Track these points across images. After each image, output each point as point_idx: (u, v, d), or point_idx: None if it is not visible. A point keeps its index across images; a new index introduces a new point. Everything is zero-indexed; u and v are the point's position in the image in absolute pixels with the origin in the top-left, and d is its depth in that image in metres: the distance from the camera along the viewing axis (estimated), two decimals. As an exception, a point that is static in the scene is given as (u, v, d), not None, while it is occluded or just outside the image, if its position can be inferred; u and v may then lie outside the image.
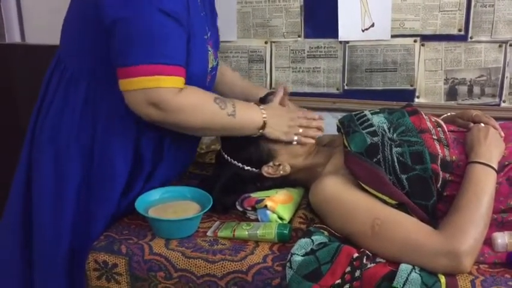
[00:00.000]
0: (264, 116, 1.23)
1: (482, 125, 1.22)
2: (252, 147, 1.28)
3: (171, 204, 1.22)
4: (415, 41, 1.61)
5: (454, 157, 1.16)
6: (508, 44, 1.57)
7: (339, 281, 1.01)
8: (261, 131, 1.24)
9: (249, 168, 1.29)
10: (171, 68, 1.10)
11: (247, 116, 1.22)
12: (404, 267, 1.00)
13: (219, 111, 1.17)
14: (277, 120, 1.26)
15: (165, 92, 1.09)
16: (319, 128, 1.31)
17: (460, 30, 1.58)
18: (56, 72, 1.23)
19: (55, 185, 1.21)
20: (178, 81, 1.11)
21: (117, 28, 1.08)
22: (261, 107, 1.25)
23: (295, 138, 1.28)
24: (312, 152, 1.32)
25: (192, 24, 1.16)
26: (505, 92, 1.60)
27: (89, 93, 1.19)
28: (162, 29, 1.08)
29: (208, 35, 1.27)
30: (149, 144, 1.24)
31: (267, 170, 1.28)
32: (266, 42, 1.70)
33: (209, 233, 1.19)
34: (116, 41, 1.09)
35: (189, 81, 1.17)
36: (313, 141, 1.30)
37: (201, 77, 1.23)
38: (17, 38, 1.94)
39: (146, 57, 1.07)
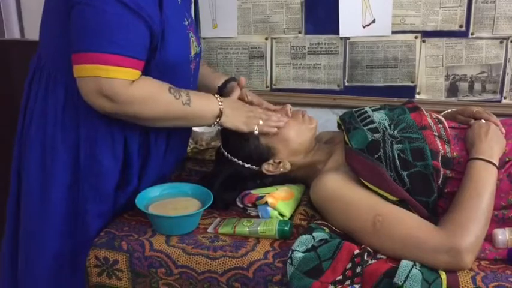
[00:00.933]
0: (221, 104, 1.22)
1: (483, 121, 1.22)
2: (252, 144, 1.27)
3: (171, 200, 1.22)
4: (416, 37, 1.60)
5: (455, 154, 1.16)
6: (509, 41, 1.56)
7: (339, 277, 1.01)
8: (218, 119, 1.22)
9: (249, 165, 1.29)
10: (122, 59, 1.08)
11: (203, 105, 1.21)
12: (405, 264, 1.00)
13: (174, 101, 1.15)
14: (235, 111, 1.25)
15: (115, 83, 1.07)
16: (278, 126, 1.29)
17: (461, 26, 1.57)
18: (37, 71, 1.22)
19: (41, 186, 1.19)
20: (130, 73, 1.09)
21: (74, 12, 1.06)
22: (218, 98, 1.24)
23: (256, 127, 1.26)
24: (312, 149, 1.32)
25: (167, 13, 1.14)
26: (506, 88, 1.60)
27: (68, 92, 1.16)
28: (118, 19, 1.06)
29: (189, 21, 1.25)
30: (135, 139, 1.23)
31: (267, 168, 1.28)
32: (266, 39, 1.69)
33: (210, 230, 1.19)
34: (73, 26, 1.07)
35: (173, 69, 1.17)
36: (275, 129, 1.28)
37: (184, 65, 1.22)
38: (16, 34, 1.94)
39: (98, 46, 1.06)
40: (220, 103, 1.22)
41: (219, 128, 1.45)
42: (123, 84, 1.08)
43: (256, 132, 1.26)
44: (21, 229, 1.24)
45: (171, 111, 1.17)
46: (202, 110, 1.21)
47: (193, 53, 1.25)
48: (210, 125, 1.24)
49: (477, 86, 1.61)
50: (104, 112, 1.12)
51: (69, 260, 1.22)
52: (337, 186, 1.15)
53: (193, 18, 1.39)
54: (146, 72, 1.14)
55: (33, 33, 1.91)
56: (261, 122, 1.27)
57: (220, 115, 1.22)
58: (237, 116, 1.25)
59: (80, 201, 1.21)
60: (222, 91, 1.39)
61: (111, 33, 1.06)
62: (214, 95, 1.25)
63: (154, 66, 1.15)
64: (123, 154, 1.22)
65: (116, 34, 1.07)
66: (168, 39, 1.15)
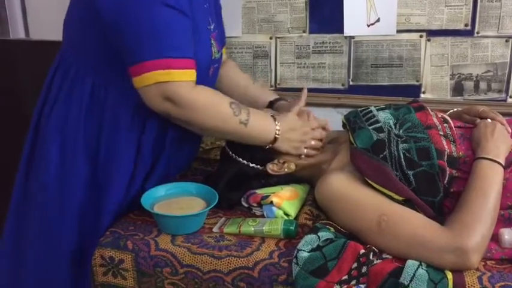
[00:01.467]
0: (277, 132, 1.22)
1: (489, 120, 1.21)
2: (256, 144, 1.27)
3: (176, 200, 1.22)
4: (421, 36, 1.60)
5: (460, 153, 1.16)
6: (515, 39, 1.56)
7: (345, 277, 1.01)
8: (270, 144, 1.23)
9: (253, 165, 1.28)
10: (181, 61, 1.09)
11: (259, 129, 1.21)
12: (411, 264, 1.00)
13: (232, 117, 1.16)
14: (290, 136, 1.24)
15: (179, 85, 1.09)
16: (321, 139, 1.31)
17: (466, 25, 1.57)
18: (60, 70, 1.23)
19: (62, 180, 1.21)
20: (190, 74, 1.11)
21: (123, 29, 1.07)
22: (277, 121, 1.22)
23: (305, 151, 1.27)
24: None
25: (195, 15, 1.15)
26: (512, 87, 1.60)
27: (94, 90, 1.19)
28: (168, 23, 1.08)
29: (212, 26, 1.26)
30: (150, 140, 1.24)
31: (271, 168, 1.28)
32: (271, 38, 1.69)
33: (215, 229, 1.19)
34: (124, 41, 1.08)
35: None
36: (318, 153, 1.29)
37: (203, 69, 1.23)
38: (21, 34, 1.94)
39: (156, 52, 1.07)
40: (277, 131, 1.21)
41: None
42: (185, 86, 1.10)
43: (302, 157, 1.28)
44: (32, 225, 1.24)
45: (227, 126, 1.17)
46: (256, 133, 1.21)
47: (213, 57, 1.26)
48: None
49: (482, 85, 1.61)
50: (167, 116, 1.14)
51: (79, 259, 1.23)
52: (342, 186, 1.15)
53: (222, 26, 1.42)
54: None
55: (38, 33, 1.92)
56: (312, 143, 1.28)
57: (273, 142, 1.23)
58: (290, 141, 1.25)
59: (95, 198, 1.22)
60: (272, 106, 1.39)
61: (164, 37, 1.08)
62: (273, 116, 1.24)
63: None
64: (136, 154, 1.23)
65: (169, 37, 1.08)
66: (197, 40, 1.16)
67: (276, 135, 1.22)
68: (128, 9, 1.06)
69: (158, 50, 1.07)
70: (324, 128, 1.31)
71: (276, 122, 1.22)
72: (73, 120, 1.20)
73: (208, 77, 1.27)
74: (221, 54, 1.36)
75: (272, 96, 1.44)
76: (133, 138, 1.22)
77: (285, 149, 1.25)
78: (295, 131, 1.26)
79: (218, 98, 1.18)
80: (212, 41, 1.26)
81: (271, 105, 1.40)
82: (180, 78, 1.09)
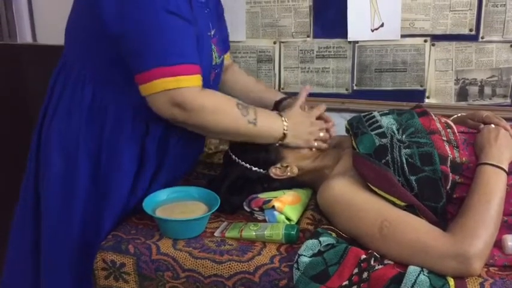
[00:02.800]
0: (285, 128, 1.24)
1: (493, 126, 1.20)
2: (259, 148, 1.27)
3: (178, 204, 1.22)
4: (425, 41, 1.60)
5: (464, 159, 1.15)
6: (520, 44, 1.55)
7: (346, 282, 1.00)
8: (280, 141, 1.25)
9: (256, 169, 1.28)
10: (188, 67, 1.11)
11: (268, 126, 1.23)
12: (412, 270, 0.99)
13: (241, 117, 1.17)
14: (298, 129, 1.27)
15: (187, 91, 1.10)
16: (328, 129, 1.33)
17: (471, 30, 1.56)
18: (61, 74, 1.24)
19: (64, 184, 1.21)
20: (197, 79, 1.13)
21: (129, 38, 1.09)
22: (283, 117, 1.25)
23: (315, 144, 1.29)
24: (320, 154, 1.32)
25: (196, 21, 1.16)
26: (517, 92, 1.59)
27: (95, 96, 1.19)
28: (173, 30, 1.09)
29: (212, 32, 1.27)
30: (153, 144, 1.24)
31: (274, 172, 1.28)
32: (275, 42, 1.69)
33: (216, 234, 1.19)
34: (130, 50, 1.10)
35: None
36: (327, 145, 1.31)
37: (205, 74, 1.23)
38: (28, 39, 1.96)
39: (163, 60, 1.08)
40: (285, 126, 1.24)
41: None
42: (193, 92, 1.11)
43: (314, 150, 1.29)
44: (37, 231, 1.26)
45: (236, 126, 1.19)
46: (265, 131, 1.23)
47: (213, 63, 1.28)
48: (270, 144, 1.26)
49: (487, 90, 1.60)
50: (174, 121, 1.15)
51: (82, 263, 1.23)
52: (345, 191, 1.15)
53: (224, 30, 1.45)
54: None
55: (45, 37, 1.94)
56: (321, 134, 1.30)
57: (283, 138, 1.25)
58: (299, 135, 1.27)
59: (98, 200, 1.22)
60: (278, 106, 1.40)
61: (171, 44, 1.09)
62: (279, 114, 1.27)
63: None
64: (140, 158, 1.24)
65: (174, 44, 1.10)
66: (199, 46, 1.17)
67: (285, 131, 1.24)
68: (133, 18, 1.08)
69: (164, 57, 1.08)
70: (324, 119, 1.34)
71: (283, 118, 1.24)
72: (75, 126, 1.20)
73: (209, 82, 1.27)
74: (223, 59, 1.37)
75: (278, 95, 1.45)
76: (136, 143, 1.23)
77: (295, 143, 1.27)
78: (302, 124, 1.28)
79: (225, 100, 1.19)
80: (213, 46, 1.27)
81: (277, 104, 1.41)
82: (188, 84, 1.10)
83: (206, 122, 1.15)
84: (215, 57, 1.28)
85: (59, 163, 1.21)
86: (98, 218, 1.22)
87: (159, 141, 1.25)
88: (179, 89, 1.09)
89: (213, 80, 1.30)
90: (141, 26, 1.08)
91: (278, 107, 1.38)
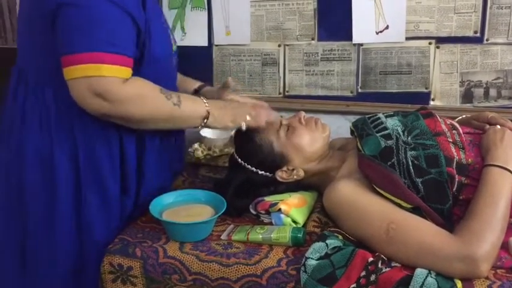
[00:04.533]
0: (207, 106, 1.21)
1: (498, 127, 1.20)
2: (265, 151, 1.28)
3: (185, 207, 1.22)
4: (430, 43, 1.60)
5: (469, 160, 1.15)
6: (525, 46, 1.55)
7: (353, 285, 1.00)
8: (205, 120, 1.21)
9: (262, 172, 1.29)
10: (114, 57, 1.07)
11: (192, 107, 1.21)
12: (420, 272, 0.99)
13: (165, 101, 1.15)
14: (222, 110, 1.24)
15: (108, 81, 1.06)
16: (268, 119, 1.31)
17: (475, 32, 1.56)
18: (20, 81, 1.19)
19: (46, 200, 1.18)
20: (121, 70, 1.09)
21: (61, 14, 1.06)
22: (204, 100, 1.23)
23: (243, 123, 1.26)
24: (325, 156, 1.32)
25: (150, 12, 1.16)
26: (522, 94, 1.59)
27: (57, 98, 1.15)
28: (106, 16, 1.06)
29: (165, 19, 1.28)
30: (131, 141, 1.23)
31: (280, 175, 1.28)
32: (279, 45, 1.70)
33: (223, 237, 1.19)
34: (60, 29, 1.06)
35: (160, 65, 1.20)
36: (263, 123, 1.29)
37: (168, 60, 1.24)
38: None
39: (89, 45, 1.05)
40: (206, 105, 1.21)
41: (232, 134, 1.46)
42: (116, 82, 1.08)
43: (243, 127, 1.26)
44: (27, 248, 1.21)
45: (162, 111, 1.16)
46: (190, 111, 1.20)
47: (173, 51, 1.30)
48: (197, 127, 1.23)
49: (492, 92, 1.60)
50: (97, 113, 1.11)
51: (78, 276, 1.22)
52: (351, 193, 1.15)
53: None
54: (136, 69, 1.14)
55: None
56: (248, 118, 1.26)
57: (207, 117, 1.21)
58: (224, 115, 1.24)
59: (86, 212, 1.19)
60: (197, 93, 1.42)
61: (99, 31, 1.06)
62: (199, 96, 1.28)
63: (145, 64, 1.16)
64: (120, 156, 1.22)
65: (105, 32, 1.06)
66: (153, 36, 1.16)
67: (207, 108, 1.21)
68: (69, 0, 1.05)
69: (91, 43, 1.05)
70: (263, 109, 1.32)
71: (202, 98, 1.24)
72: (48, 140, 1.17)
73: (173, 67, 1.30)
74: (176, 46, 1.36)
75: (196, 83, 1.47)
76: (113, 145, 1.20)
77: (221, 123, 1.24)
78: (226, 108, 1.26)
79: (149, 86, 1.15)
80: (169, 33, 1.29)
81: (196, 92, 1.43)
82: (111, 74, 1.06)
83: (131, 112, 1.11)
84: (173, 45, 1.30)
85: (37, 173, 1.18)
86: (89, 224, 1.20)
87: (136, 138, 1.23)
88: (101, 77, 1.05)
89: (174, 66, 1.33)
90: (75, 9, 1.05)
91: (197, 94, 1.41)
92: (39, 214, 1.19)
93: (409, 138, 1.19)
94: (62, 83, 1.09)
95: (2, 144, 1.23)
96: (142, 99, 1.12)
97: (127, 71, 1.10)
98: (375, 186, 1.13)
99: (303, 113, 1.33)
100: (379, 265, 1.02)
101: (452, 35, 1.57)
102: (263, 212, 1.25)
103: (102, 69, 1.05)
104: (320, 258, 1.05)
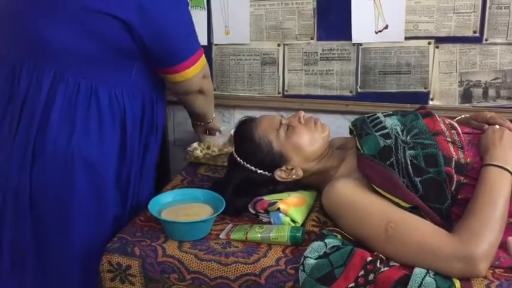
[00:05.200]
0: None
1: (497, 126, 1.20)
2: (264, 150, 1.28)
3: (184, 206, 1.23)
4: (429, 43, 1.60)
5: (468, 159, 1.15)
6: (524, 46, 1.55)
7: (352, 284, 1.00)
8: None
9: (261, 171, 1.29)
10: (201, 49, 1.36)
11: (207, 108, 1.53)
12: (418, 271, 0.99)
13: (211, 91, 1.48)
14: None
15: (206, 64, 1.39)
16: None
17: (475, 32, 1.56)
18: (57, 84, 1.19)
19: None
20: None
21: (164, 32, 1.21)
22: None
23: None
24: (324, 155, 1.32)
25: None
26: (521, 94, 1.59)
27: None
28: (190, 16, 1.29)
29: None
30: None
31: (279, 174, 1.28)
32: (279, 45, 1.69)
33: (222, 236, 1.19)
34: (166, 45, 1.23)
35: None
36: None
37: None
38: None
39: (196, 45, 1.33)
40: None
41: (231, 134, 1.47)
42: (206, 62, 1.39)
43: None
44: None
45: (208, 96, 1.48)
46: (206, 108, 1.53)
47: None
48: None
49: (491, 92, 1.60)
50: (198, 91, 1.40)
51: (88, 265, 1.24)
52: (350, 193, 1.15)
53: None
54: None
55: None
56: None
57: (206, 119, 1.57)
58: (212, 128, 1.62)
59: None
60: None
61: (194, 30, 1.31)
62: None
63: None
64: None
65: (194, 28, 1.31)
66: None
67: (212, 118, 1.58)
68: (170, 16, 1.22)
69: (197, 43, 1.33)
70: None
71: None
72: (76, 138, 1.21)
73: None
74: None
75: None
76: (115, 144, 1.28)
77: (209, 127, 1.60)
78: None
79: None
80: None
81: None
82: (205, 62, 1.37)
83: (210, 85, 1.46)
84: None
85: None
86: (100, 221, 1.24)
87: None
88: (206, 63, 1.38)
89: None
90: (176, 20, 1.25)
91: None
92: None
93: (408, 137, 1.19)
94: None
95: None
96: (209, 77, 1.45)
97: None
98: (373, 186, 1.13)
99: (302, 113, 1.33)
100: (378, 264, 1.02)
101: (452, 34, 1.57)
102: (262, 211, 1.25)
103: (204, 58, 1.36)
104: (319, 257, 1.05)
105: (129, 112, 1.25)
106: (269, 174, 1.29)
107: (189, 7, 1.35)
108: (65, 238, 1.21)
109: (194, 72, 1.31)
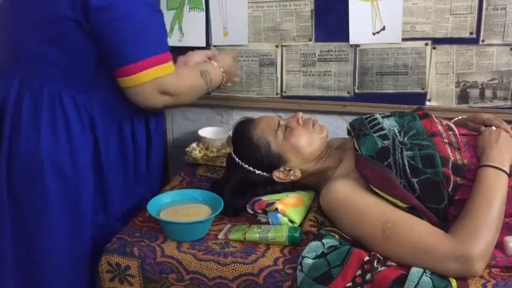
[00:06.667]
0: (222, 70, 1.42)
1: (494, 128, 1.21)
2: (262, 151, 1.28)
3: (182, 207, 1.23)
4: (426, 44, 1.60)
5: (465, 161, 1.16)
6: (520, 47, 1.56)
7: (349, 284, 1.01)
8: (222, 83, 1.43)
9: (259, 172, 1.29)
10: (167, 55, 1.20)
11: (215, 82, 1.39)
12: (415, 271, 1.00)
13: (204, 85, 1.33)
14: (229, 68, 1.46)
15: (170, 77, 1.20)
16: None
17: (471, 33, 1.57)
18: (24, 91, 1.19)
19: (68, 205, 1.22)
20: (171, 65, 1.22)
21: (110, 31, 1.12)
22: (218, 65, 1.42)
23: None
24: (323, 156, 1.32)
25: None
26: (517, 95, 1.60)
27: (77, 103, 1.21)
28: (153, 21, 1.18)
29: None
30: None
31: (277, 175, 1.29)
32: (277, 46, 1.70)
33: (220, 236, 1.20)
34: (112, 44, 1.14)
35: None
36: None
37: None
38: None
39: (149, 51, 1.16)
40: (221, 69, 1.41)
41: (230, 135, 1.47)
42: (173, 78, 1.21)
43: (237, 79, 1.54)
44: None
45: (202, 92, 1.35)
46: (214, 84, 1.39)
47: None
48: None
49: (488, 93, 1.61)
50: (160, 108, 1.27)
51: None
52: (347, 193, 1.15)
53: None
54: None
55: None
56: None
57: (222, 79, 1.42)
58: (231, 70, 1.48)
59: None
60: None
61: (153, 36, 1.18)
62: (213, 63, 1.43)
63: None
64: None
65: (157, 35, 1.20)
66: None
67: (223, 73, 1.42)
68: (117, 11, 1.12)
69: (151, 48, 1.17)
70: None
71: (214, 63, 1.42)
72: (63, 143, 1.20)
73: None
74: None
75: None
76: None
77: (231, 78, 1.50)
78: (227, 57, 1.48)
79: (195, 75, 1.32)
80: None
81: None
82: (169, 71, 1.20)
83: (187, 101, 1.32)
84: None
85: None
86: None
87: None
88: (164, 76, 1.18)
89: None
90: (125, 19, 1.13)
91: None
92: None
93: (406, 138, 1.20)
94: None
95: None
96: (194, 89, 1.31)
97: (172, 64, 1.23)
98: (371, 186, 1.14)
99: (300, 114, 1.34)
100: (375, 264, 1.02)
101: (448, 36, 1.58)
102: (260, 211, 1.26)
103: (164, 68, 1.19)
104: (316, 257, 1.05)
105: (99, 124, 1.22)
106: (267, 175, 1.30)
107: (161, 12, 1.22)
108: (41, 244, 1.20)
109: (145, 78, 1.16)
